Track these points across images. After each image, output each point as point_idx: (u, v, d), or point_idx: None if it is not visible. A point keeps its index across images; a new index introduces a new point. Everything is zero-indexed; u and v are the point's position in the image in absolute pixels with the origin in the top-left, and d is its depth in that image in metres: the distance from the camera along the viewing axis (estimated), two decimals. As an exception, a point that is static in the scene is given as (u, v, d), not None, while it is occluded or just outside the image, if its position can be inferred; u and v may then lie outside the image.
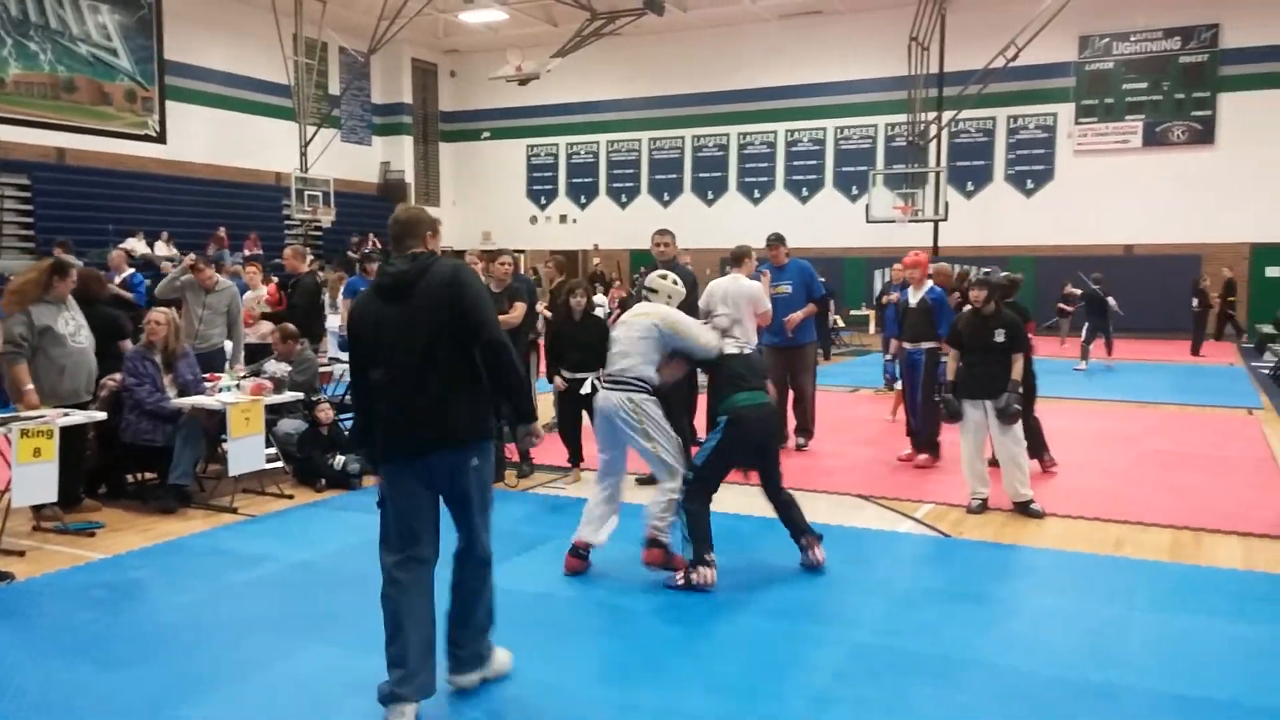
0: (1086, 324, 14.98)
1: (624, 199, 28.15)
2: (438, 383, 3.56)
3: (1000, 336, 6.41)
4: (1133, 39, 22.59)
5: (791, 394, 8.60)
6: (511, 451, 7.71)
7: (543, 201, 29.21)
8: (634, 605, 4.80)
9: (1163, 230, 21.69)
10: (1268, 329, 17.19)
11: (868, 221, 21.94)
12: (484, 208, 29.34)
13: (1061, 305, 17.50)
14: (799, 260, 8.80)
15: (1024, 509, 6.45)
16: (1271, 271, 21.38)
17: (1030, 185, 23.65)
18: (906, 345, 8.16)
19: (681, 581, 4.99)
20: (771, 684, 3.90)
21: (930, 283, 8.08)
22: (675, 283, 5.57)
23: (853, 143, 25.46)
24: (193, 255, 9.11)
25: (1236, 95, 21.63)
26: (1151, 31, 22.39)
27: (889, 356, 9.19)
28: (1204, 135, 22.02)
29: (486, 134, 29.62)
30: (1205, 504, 6.75)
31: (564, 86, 26.81)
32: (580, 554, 5.30)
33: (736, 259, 8.06)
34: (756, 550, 5.73)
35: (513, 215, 29.04)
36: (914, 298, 8.12)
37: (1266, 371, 13.91)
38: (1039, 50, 20.60)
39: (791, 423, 8.68)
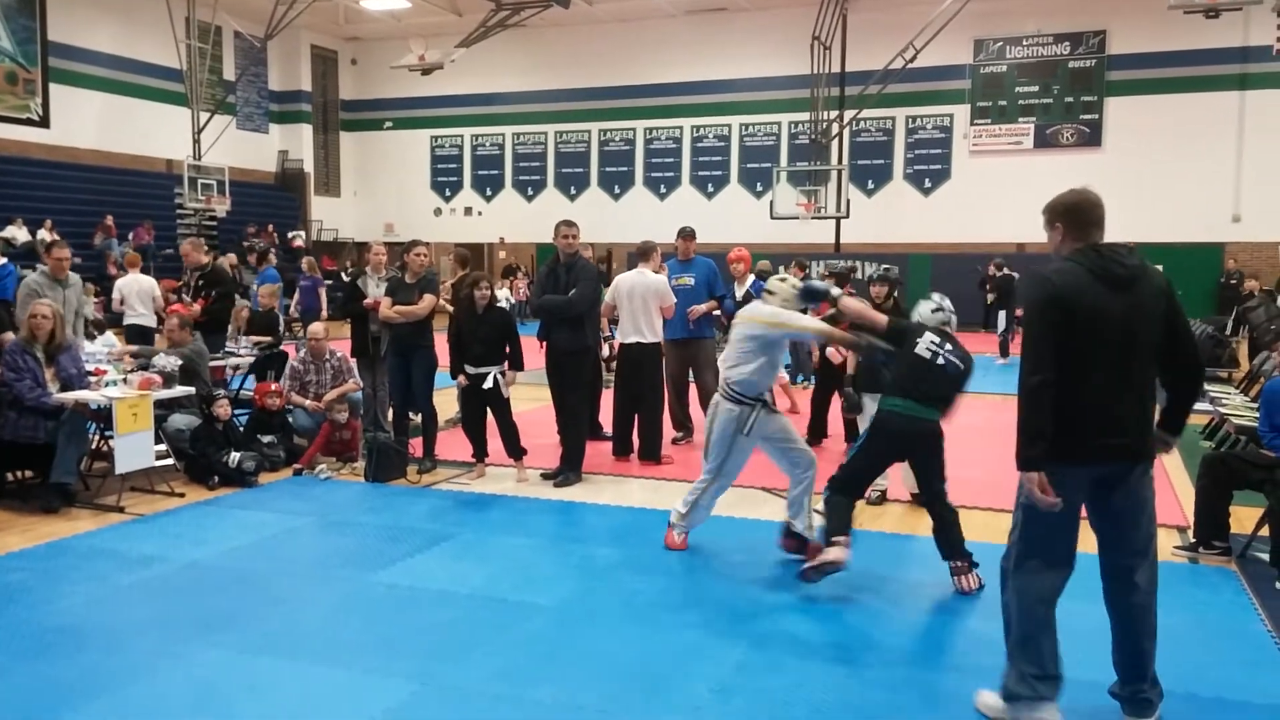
0: (1003, 313, 15.49)
1: (530, 192, 27.97)
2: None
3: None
4: (1024, 43, 23.40)
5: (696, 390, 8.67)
6: (414, 447, 7.59)
7: (447, 193, 28.82)
8: (537, 601, 4.76)
9: (1052, 229, 22.55)
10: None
11: (772, 218, 22.26)
12: (386, 199, 28.81)
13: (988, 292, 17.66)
14: (705, 258, 8.88)
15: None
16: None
17: (928, 184, 24.31)
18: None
19: (812, 564, 4.80)
20: (674, 676, 3.92)
21: (752, 277, 8.46)
22: (794, 287, 5.31)
23: (757, 140, 25.77)
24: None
25: (1122, 100, 22.60)
26: (1043, 36, 23.21)
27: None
28: (1091, 138, 22.95)
29: (389, 124, 29.08)
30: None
31: (469, 77, 26.50)
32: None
33: (644, 253, 8.09)
34: (660, 543, 5.75)
35: (416, 207, 28.57)
36: (739, 291, 8.45)
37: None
38: (936, 52, 21.21)
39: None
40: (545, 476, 7.29)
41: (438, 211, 28.78)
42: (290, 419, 7.85)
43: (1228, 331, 15.32)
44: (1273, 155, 21.00)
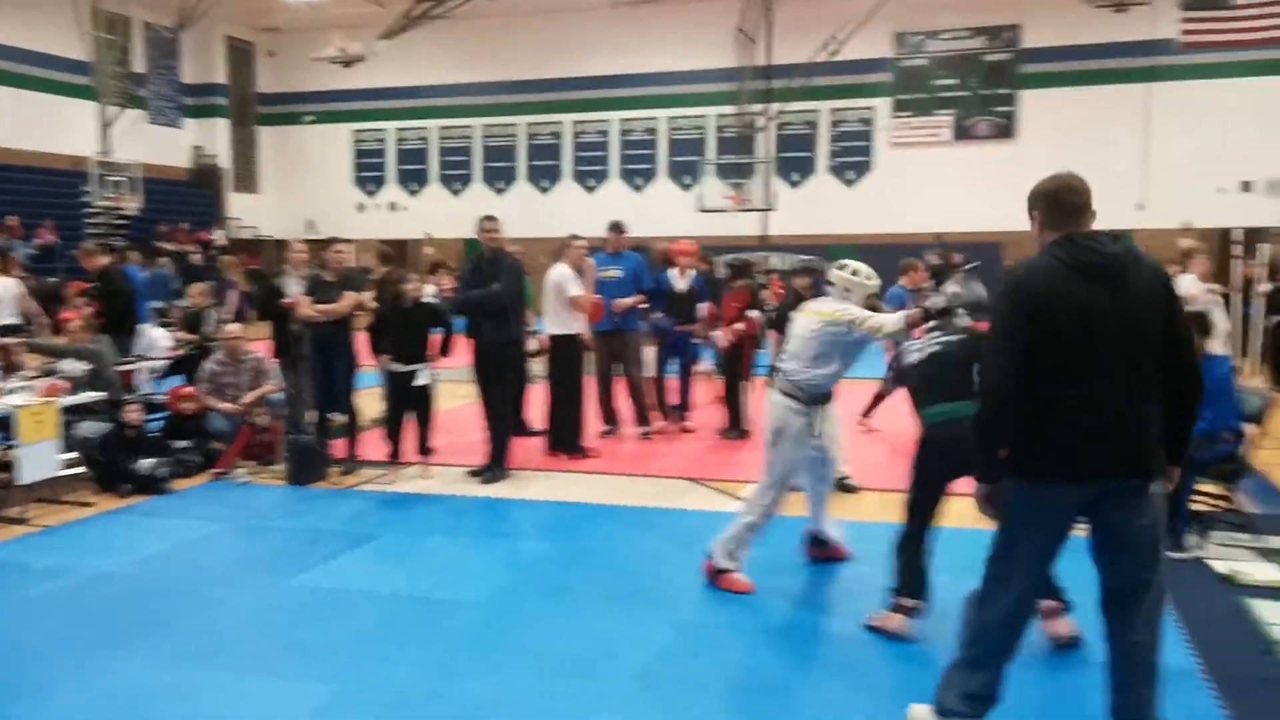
0: None
1: (457, 187, 27.67)
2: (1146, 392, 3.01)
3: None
4: (942, 37, 23.82)
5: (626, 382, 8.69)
6: (337, 448, 7.48)
7: (371, 189, 28.36)
8: (462, 597, 4.74)
9: (970, 220, 22.97)
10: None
11: (700, 211, 22.35)
12: (307, 195, 28.21)
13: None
14: (633, 252, 8.91)
15: (840, 485, 6.72)
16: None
17: (851, 176, 24.63)
18: (676, 328, 8.61)
19: (877, 624, 4.29)
20: (600, 664, 3.95)
21: (694, 271, 8.61)
22: (855, 274, 4.82)
23: (685, 133, 25.85)
24: None
25: (1035, 92, 23.13)
26: (959, 30, 23.66)
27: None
28: (1006, 130, 23.47)
29: (309, 117, 28.47)
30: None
31: (392, 69, 26.07)
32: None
33: (562, 249, 8.11)
34: (588, 536, 5.77)
35: (339, 203, 28.04)
36: (682, 284, 8.53)
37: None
38: (858, 46, 21.48)
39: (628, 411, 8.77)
40: (471, 474, 7.25)
41: (361, 207, 28.29)
42: (206, 423, 7.67)
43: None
44: (1176, 145, 21.72)
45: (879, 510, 6.26)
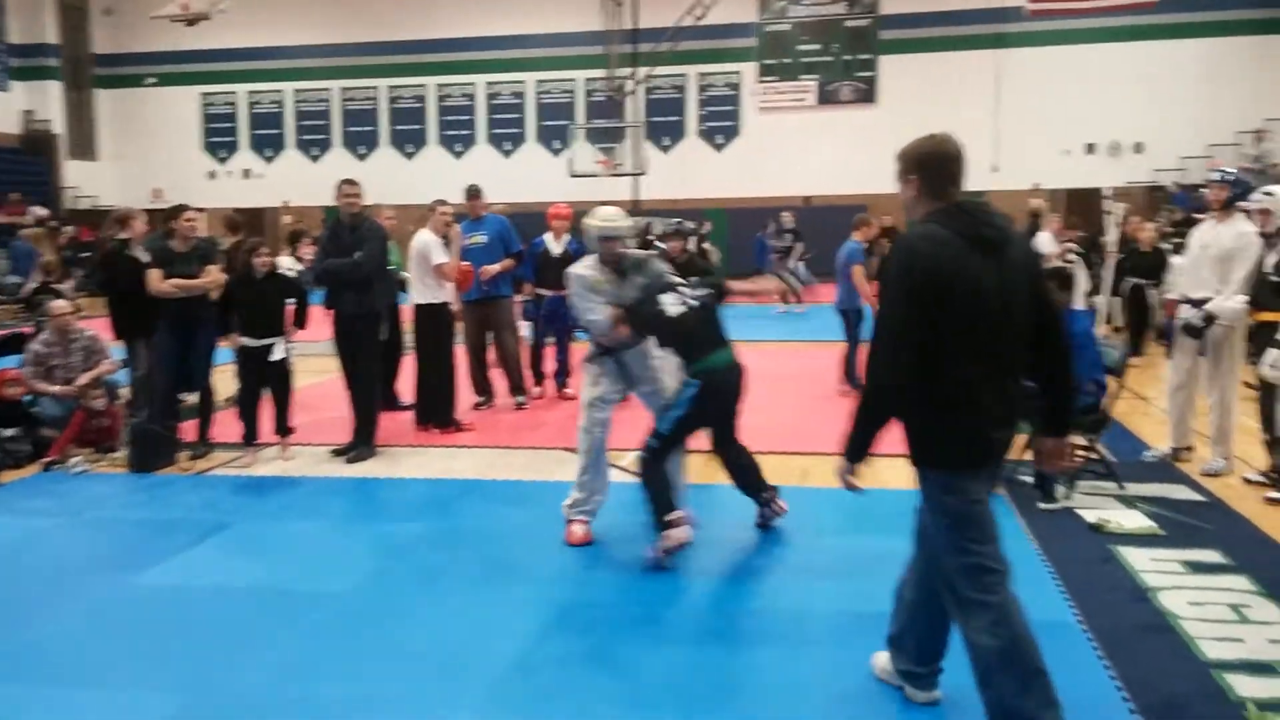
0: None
1: (315, 152, 26.53)
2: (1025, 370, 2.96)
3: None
4: (805, 3, 24.05)
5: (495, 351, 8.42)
6: (185, 430, 6.98)
7: (222, 155, 26.91)
8: (325, 589, 4.44)
9: (836, 183, 23.39)
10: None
11: (571, 176, 22.03)
12: (153, 162, 26.56)
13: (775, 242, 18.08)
14: (498, 215, 8.62)
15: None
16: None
17: (720, 140, 24.72)
18: (548, 292, 8.32)
19: (659, 552, 4.55)
20: (473, 655, 3.73)
21: (568, 235, 8.42)
22: (592, 219, 4.93)
23: (553, 96, 25.43)
24: None
25: (894, 58, 23.65)
26: (817, -7, 23.98)
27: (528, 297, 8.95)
28: (867, 94, 23.93)
29: (152, 80, 26.75)
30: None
31: (242, 29, 24.70)
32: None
33: (426, 215, 7.76)
34: (460, 514, 5.52)
35: (187, 170, 26.51)
36: (557, 248, 8.31)
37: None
38: (724, 10, 21.50)
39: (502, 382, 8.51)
40: (336, 453, 6.88)
41: (212, 175, 26.83)
42: (36, 408, 7.04)
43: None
44: (1024, 109, 22.57)
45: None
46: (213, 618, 4.15)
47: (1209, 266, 5.68)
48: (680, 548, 4.56)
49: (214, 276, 6.86)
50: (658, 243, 6.95)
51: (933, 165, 2.89)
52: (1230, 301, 5.52)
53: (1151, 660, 3.50)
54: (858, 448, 2.95)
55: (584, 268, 4.98)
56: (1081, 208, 20.63)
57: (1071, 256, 10.47)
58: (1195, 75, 21.55)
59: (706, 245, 19.04)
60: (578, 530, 4.96)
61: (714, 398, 4.66)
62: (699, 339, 4.66)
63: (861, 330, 8.66)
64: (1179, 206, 14.93)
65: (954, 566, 2.90)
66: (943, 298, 2.71)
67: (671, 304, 4.68)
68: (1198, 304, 5.77)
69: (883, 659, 3.37)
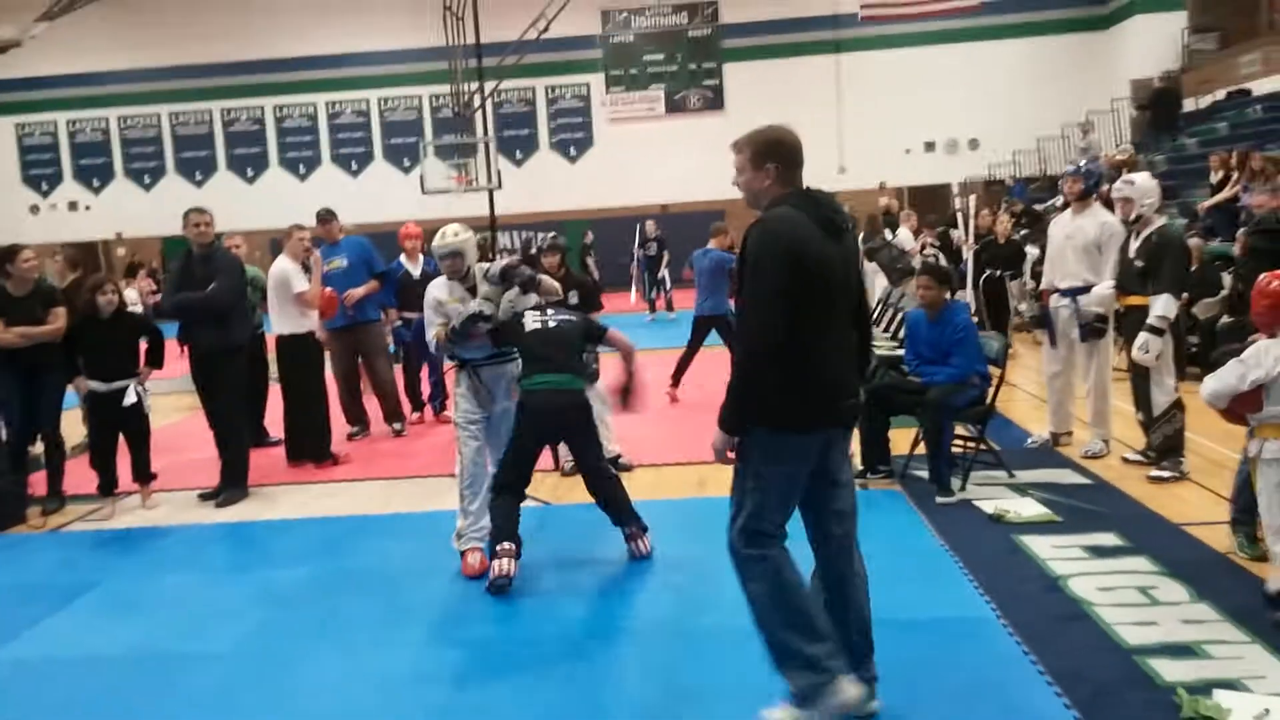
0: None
1: (148, 180, 25.13)
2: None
3: (574, 298, 6.41)
4: (647, 14, 24.33)
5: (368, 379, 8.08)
6: (34, 484, 6.39)
7: (44, 187, 25.18)
8: (208, 648, 4.08)
9: (690, 190, 23.70)
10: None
11: (424, 193, 21.54)
12: (-34, 197, 24.64)
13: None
14: (356, 237, 8.30)
15: (613, 464, 6.54)
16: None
17: (574, 152, 24.71)
18: (414, 315, 8.10)
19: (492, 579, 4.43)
20: (384, 712, 3.48)
21: (422, 256, 8.25)
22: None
23: (399, 114, 24.88)
24: None
25: (738, 65, 24.19)
26: (663, 6, 24.25)
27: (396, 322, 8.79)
28: (715, 102, 24.38)
29: (-43, 110, 24.82)
30: (766, 436, 7.33)
31: (58, 55, 23.21)
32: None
33: (282, 241, 7.40)
34: (350, 554, 5.21)
35: (7, 205, 24.68)
36: (415, 269, 8.26)
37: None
38: (567, 24, 21.49)
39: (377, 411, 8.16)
40: (204, 497, 6.44)
41: (34, 209, 25.06)
42: None
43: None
44: (866, 111, 23.45)
45: (655, 488, 6.14)
46: (85, 692, 3.76)
47: (1075, 256, 5.94)
48: (495, 579, 4.39)
49: (62, 320, 6.30)
50: (541, 258, 6.78)
51: (786, 153, 3.07)
52: (1101, 289, 5.78)
53: (1075, 651, 3.53)
54: (738, 419, 3.00)
55: (435, 287, 4.98)
56: (926, 204, 21.57)
57: (930, 251, 10.85)
58: (1021, 73, 22.88)
59: (589, 259, 18.95)
60: (472, 560, 4.75)
61: (532, 417, 4.63)
62: (533, 357, 4.69)
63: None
64: (1017, 198, 15.74)
65: (741, 524, 3.04)
66: (801, 272, 2.89)
67: (531, 320, 4.79)
68: (1067, 294, 6.03)
69: (779, 713, 3.11)
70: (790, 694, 3.05)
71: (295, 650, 4.02)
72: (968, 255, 10.17)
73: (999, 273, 9.96)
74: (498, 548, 4.45)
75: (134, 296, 8.61)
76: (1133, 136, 19.64)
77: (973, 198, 10.21)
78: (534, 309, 4.87)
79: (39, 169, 25.16)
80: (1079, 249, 5.93)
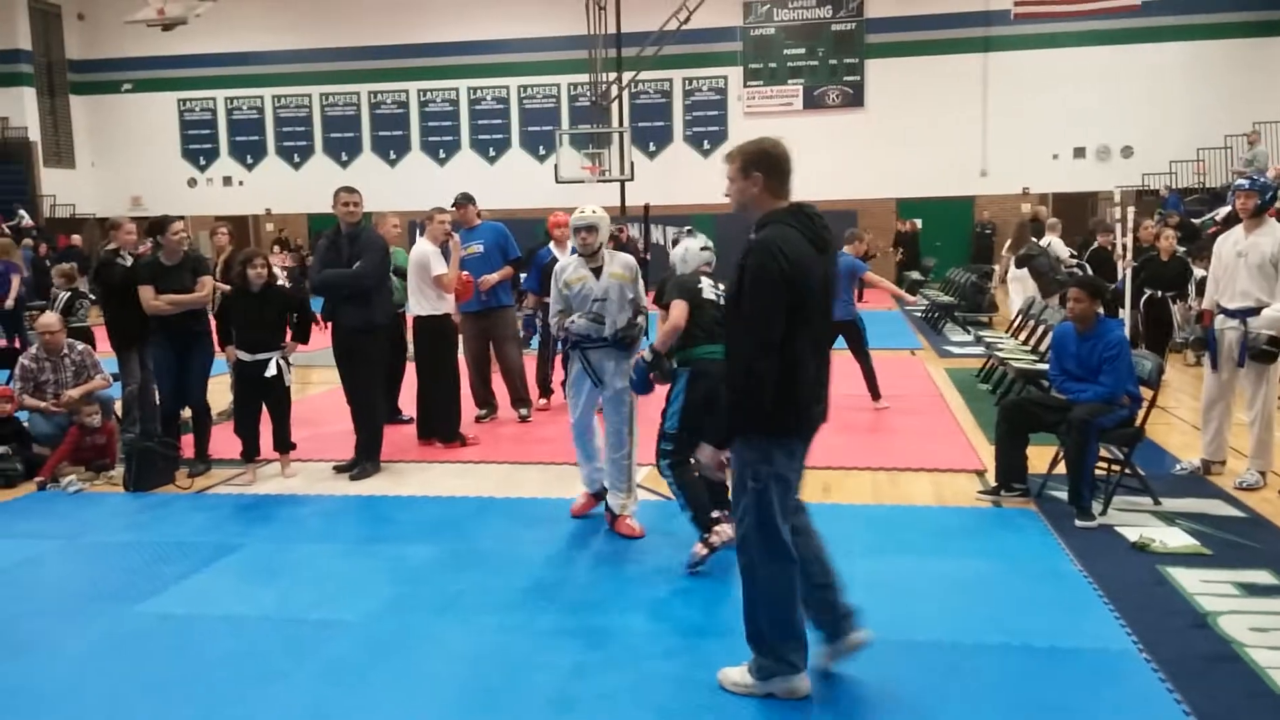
0: None
1: (297, 159, 26.20)
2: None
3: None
4: (790, 6, 23.99)
5: (499, 363, 8.22)
6: (184, 446, 6.75)
7: (202, 162, 26.54)
8: (342, 617, 4.22)
9: (824, 188, 23.27)
10: (916, 275, 19.01)
11: (557, 182, 21.82)
12: (131, 169, 26.18)
13: None
14: (493, 222, 8.42)
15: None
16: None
17: (707, 145, 24.60)
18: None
19: (705, 552, 4.58)
20: (505, 690, 3.53)
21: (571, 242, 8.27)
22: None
23: (537, 102, 25.24)
24: None
25: (881, 61, 23.60)
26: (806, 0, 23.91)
27: (529, 309, 8.92)
28: (854, 99, 23.87)
29: (128, 86, 26.35)
30: (896, 444, 7.16)
31: (219, 34, 24.39)
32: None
33: (426, 222, 7.56)
34: (476, 535, 5.32)
35: (167, 178, 26.14)
36: (563, 256, 8.22)
37: (919, 314, 15.30)
38: (708, 15, 21.37)
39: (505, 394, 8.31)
40: (339, 469, 6.67)
41: (192, 182, 26.46)
42: (27, 425, 6.78)
43: (993, 280, 16.42)
44: (1012, 113, 22.58)
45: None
46: (225, 650, 3.93)
47: (1247, 275, 5.57)
48: (727, 544, 4.40)
49: (208, 289, 6.64)
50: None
51: (773, 163, 3.21)
52: (1274, 310, 5.41)
53: (1224, 693, 3.33)
54: (734, 429, 3.23)
55: (564, 268, 5.26)
56: (1071, 213, 20.67)
57: (1072, 263, 10.36)
58: (1183, 78, 21.62)
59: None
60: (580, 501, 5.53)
61: (703, 381, 4.64)
62: (705, 323, 4.72)
63: (868, 340, 8.54)
64: (1173, 210, 14.90)
65: (751, 523, 3.25)
66: (796, 290, 3.08)
67: (708, 287, 4.87)
68: (1236, 314, 5.66)
69: (733, 673, 3.47)
70: (752, 665, 3.38)
71: (423, 624, 4.12)
72: (1125, 272, 9.18)
73: (1160, 294, 8.91)
74: (716, 514, 4.57)
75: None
76: (1304, 149, 18.38)
77: (1132, 209, 9.35)
78: (708, 276, 4.95)
79: (198, 144, 26.53)
80: (1253, 267, 5.56)
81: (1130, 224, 8.84)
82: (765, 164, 3.19)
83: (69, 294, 8.59)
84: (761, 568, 3.26)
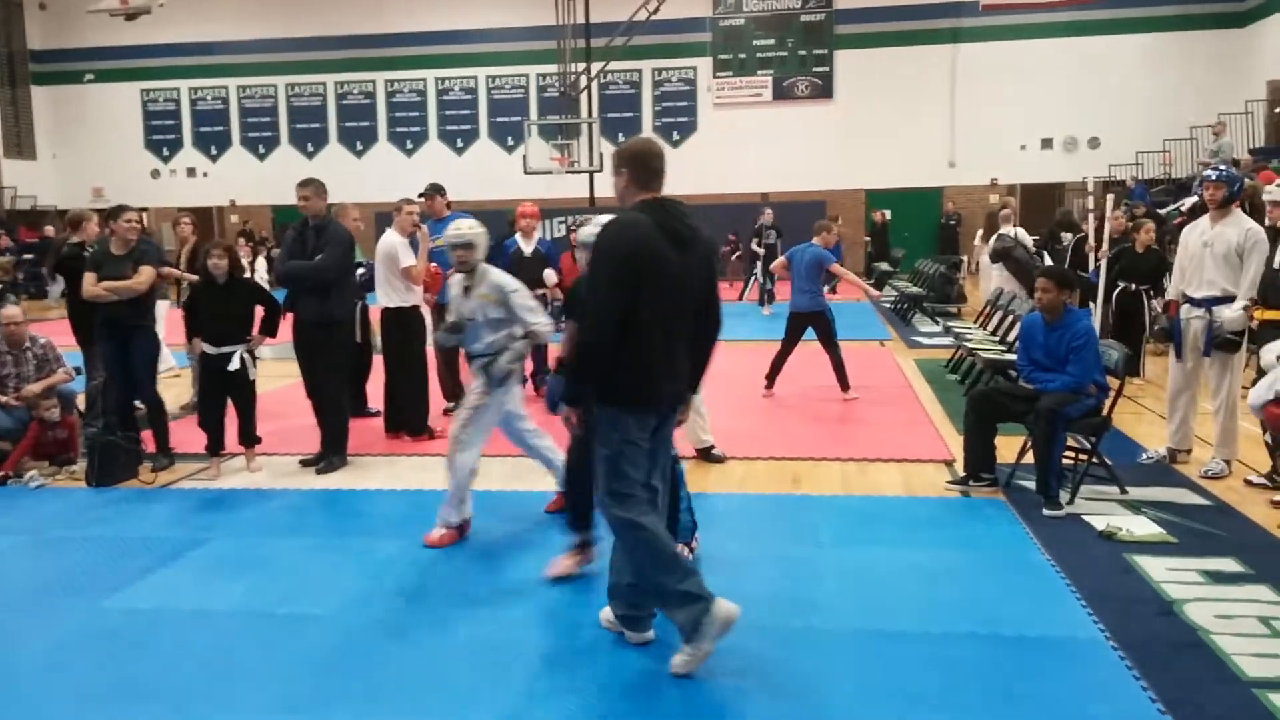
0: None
1: (262, 150, 25.92)
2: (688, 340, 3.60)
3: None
4: (759, -3, 24.02)
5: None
6: (146, 440, 6.65)
7: (165, 153, 26.19)
8: (311, 611, 4.18)
9: (793, 179, 23.39)
10: (885, 267, 19.10)
11: (526, 173, 21.75)
12: (93, 160, 25.80)
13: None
14: (462, 213, 8.36)
15: (706, 455, 6.51)
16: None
17: (676, 137, 24.59)
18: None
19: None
20: (479, 686, 3.50)
21: (539, 234, 8.40)
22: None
23: (505, 92, 25.11)
24: None
25: (850, 53, 23.69)
26: (775, -10, 23.95)
27: None
28: (824, 90, 23.96)
29: (90, 76, 25.94)
30: (865, 435, 7.20)
31: (183, 24, 24.09)
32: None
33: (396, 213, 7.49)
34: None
35: (129, 169, 25.78)
36: (528, 247, 8.34)
37: (887, 305, 15.39)
38: (677, 5, 21.38)
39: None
40: (305, 463, 6.60)
41: (155, 173, 26.11)
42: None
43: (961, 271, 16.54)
44: (981, 104, 22.75)
45: (744, 482, 6.07)
46: (194, 644, 3.88)
47: (1214, 264, 5.63)
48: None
49: (145, 276, 6.51)
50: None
51: (640, 161, 3.48)
52: (1229, 311, 5.49)
53: (1190, 680, 3.36)
54: (575, 395, 3.58)
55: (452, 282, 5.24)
56: (1039, 203, 20.88)
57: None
58: (1149, 70, 21.88)
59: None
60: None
61: None
62: None
63: (836, 331, 8.56)
64: (1139, 200, 15.05)
65: (605, 489, 3.51)
66: (640, 274, 3.31)
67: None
68: (1202, 303, 5.73)
69: (606, 611, 3.85)
70: (680, 632, 3.48)
71: (391, 620, 4.08)
72: (1099, 262, 8.94)
73: (1135, 286, 8.70)
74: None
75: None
76: (1267, 140, 18.63)
77: (1110, 197, 9.10)
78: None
79: (161, 134, 26.17)
80: (1218, 257, 5.62)
81: (1109, 214, 8.71)
82: (631, 161, 3.48)
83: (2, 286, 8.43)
84: (624, 519, 3.49)
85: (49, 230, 20.40)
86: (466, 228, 5.10)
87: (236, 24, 25.10)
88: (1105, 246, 8.63)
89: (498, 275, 5.11)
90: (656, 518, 3.56)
